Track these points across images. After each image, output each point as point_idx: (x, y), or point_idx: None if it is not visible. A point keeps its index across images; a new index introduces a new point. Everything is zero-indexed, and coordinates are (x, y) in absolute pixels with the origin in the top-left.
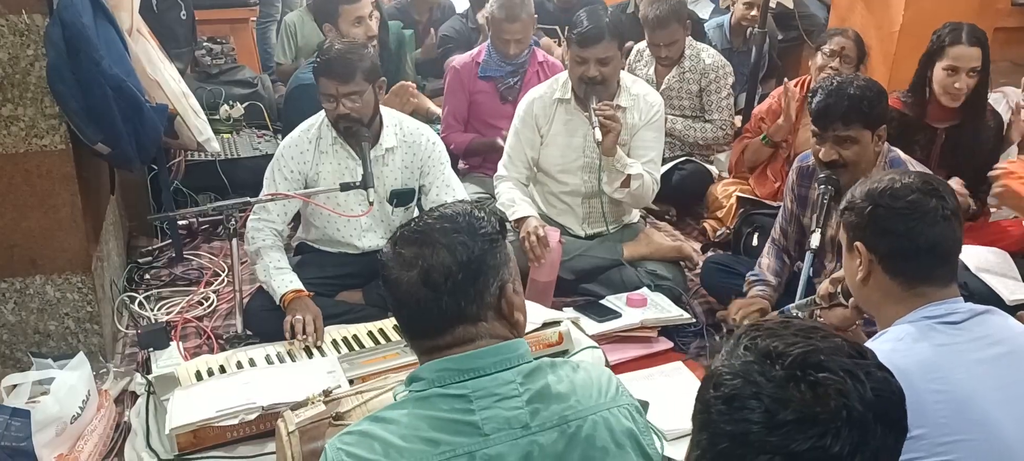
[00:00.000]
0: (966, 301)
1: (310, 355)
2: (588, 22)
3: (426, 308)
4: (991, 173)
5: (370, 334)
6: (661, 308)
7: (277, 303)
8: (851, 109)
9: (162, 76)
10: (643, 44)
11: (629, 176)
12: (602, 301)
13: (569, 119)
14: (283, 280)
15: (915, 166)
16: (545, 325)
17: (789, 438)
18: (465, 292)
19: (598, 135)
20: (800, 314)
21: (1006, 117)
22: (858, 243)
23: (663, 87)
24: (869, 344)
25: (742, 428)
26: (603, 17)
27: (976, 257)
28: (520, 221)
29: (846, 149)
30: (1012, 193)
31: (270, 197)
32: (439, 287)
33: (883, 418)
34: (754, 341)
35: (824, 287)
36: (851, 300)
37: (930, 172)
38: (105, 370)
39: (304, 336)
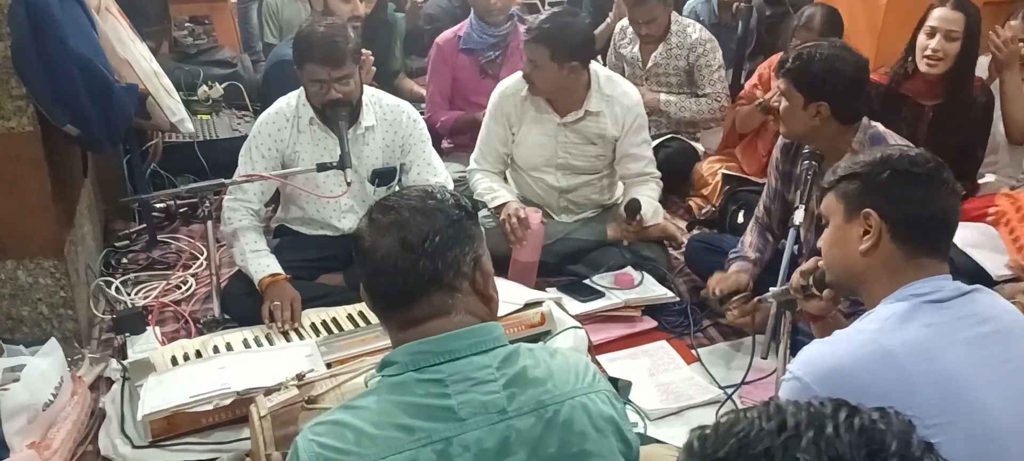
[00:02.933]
0: (953, 277)
1: (288, 339)
2: (534, 19)
3: (403, 271)
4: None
5: (349, 317)
6: (645, 287)
7: (256, 287)
8: (786, 63)
9: (132, 55)
10: (626, 21)
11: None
12: (586, 281)
13: (539, 117)
14: (260, 264)
15: (896, 139)
16: (527, 306)
17: None
18: (442, 255)
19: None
20: (778, 301)
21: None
22: (868, 209)
23: (650, 64)
24: (855, 325)
25: None
26: (546, 22)
27: (963, 233)
28: (500, 206)
29: (780, 102)
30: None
31: (245, 178)
32: (416, 248)
33: None
34: None
35: (795, 278)
36: (826, 291)
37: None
38: (80, 356)
39: (282, 323)
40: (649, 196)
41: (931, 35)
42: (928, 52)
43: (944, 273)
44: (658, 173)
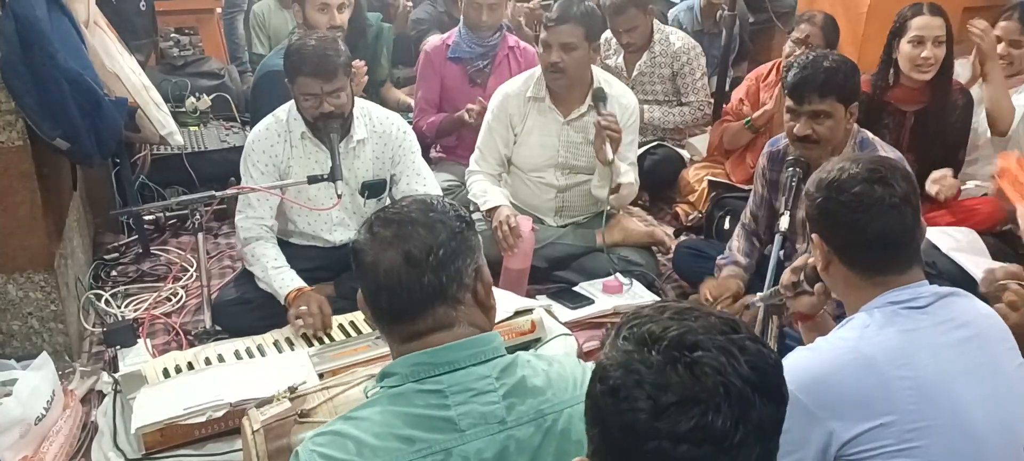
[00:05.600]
0: (934, 282)
1: (280, 350)
2: (557, 6)
3: (407, 287)
4: (991, 168)
5: (341, 327)
6: (634, 294)
7: (281, 303)
8: (827, 82)
9: (121, 69)
10: (609, 33)
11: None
12: (575, 288)
13: (542, 118)
14: (283, 279)
15: (884, 148)
16: (517, 313)
17: (674, 421)
18: (446, 269)
19: (609, 153)
20: (766, 303)
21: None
22: (814, 235)
23: (635, 74)
24: (835, 332)
25: (630, 418)
26: (574, 3)
27: (946, 237)
28: (492, 211)
29: (820, 124)
30: (1005, 196)
31: (236, 190)
32: (421, 263)
33: (761, 389)
34: (631, 329)
35: (786, 275)
36: (817, 286)
37: (890, 155)
38: (71, 369)
39: (313, 328)
40: (632, 175)
41: (918, 44)
42: (919, 61)
43: (916, 281)
44: (636, 177)
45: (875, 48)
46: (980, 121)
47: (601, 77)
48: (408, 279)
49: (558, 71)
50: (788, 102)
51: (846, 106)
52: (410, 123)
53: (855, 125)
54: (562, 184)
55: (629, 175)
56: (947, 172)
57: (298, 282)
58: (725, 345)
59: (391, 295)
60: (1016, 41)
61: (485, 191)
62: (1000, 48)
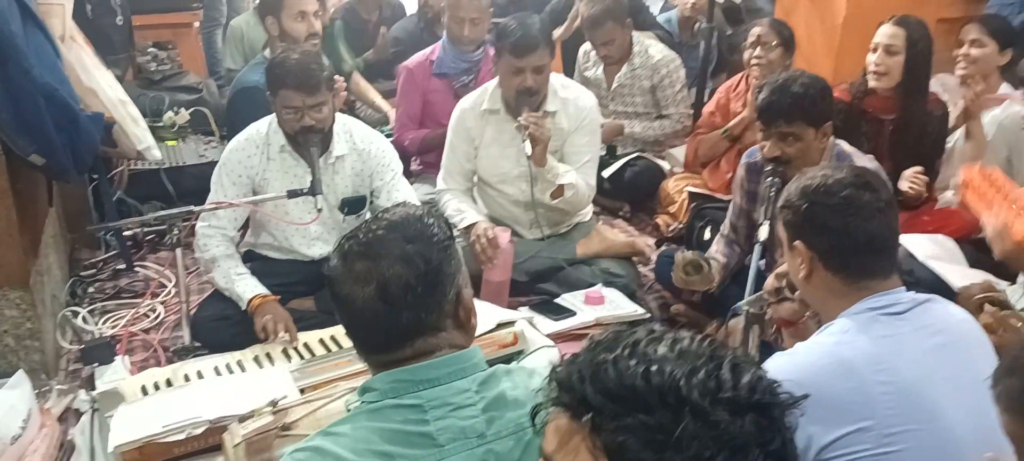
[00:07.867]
0: (912, 289)
1: (260, 365)
2: (521, 31)
3: (384, 324)
4: (954, 181)
5: (321, 342)
6: (616, 305)
7: (243, 309)
8: (794, 106)
9: (98, 83)
10: (589, 45)
11: (562, 185)
12: (557, 300)
13: (500, 130)
14: (247, 286)
15: (861, 159)
16: (500, 326)
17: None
18: (424, 304)
19: (528, 148)
20: (750, 310)
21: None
22: (798, 242)
23: (614, 85)
24: (814, 337)
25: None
26: (535, 25)
27: (923, 245)
28: (469, 227)
29: (789, 145)
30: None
31: (214, 205)
32: (397, 301)
33: None
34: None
35: (770, 282)
36: (798, 293)
37: (870, 164)
38: (48, 388)
39: (276, 338)
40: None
41: (875, 50)
42: (872, 66)
43: (895, 287)
44: (593, 181)
45: (850, 60)
46: (957, 136)
47: (557, 81)
48: (384, 317)
49: (534, 94)
50: (758, 123)
51: (817, 128)
52: (387, 134)
53: (831, 138)
54: (528, 198)
55: (569, 176)
56: (919, 169)
57: (261, 288)
58: None
59: (367, 330)
60: (977, 41)
61: (460, 210)
62: (962, 49)
